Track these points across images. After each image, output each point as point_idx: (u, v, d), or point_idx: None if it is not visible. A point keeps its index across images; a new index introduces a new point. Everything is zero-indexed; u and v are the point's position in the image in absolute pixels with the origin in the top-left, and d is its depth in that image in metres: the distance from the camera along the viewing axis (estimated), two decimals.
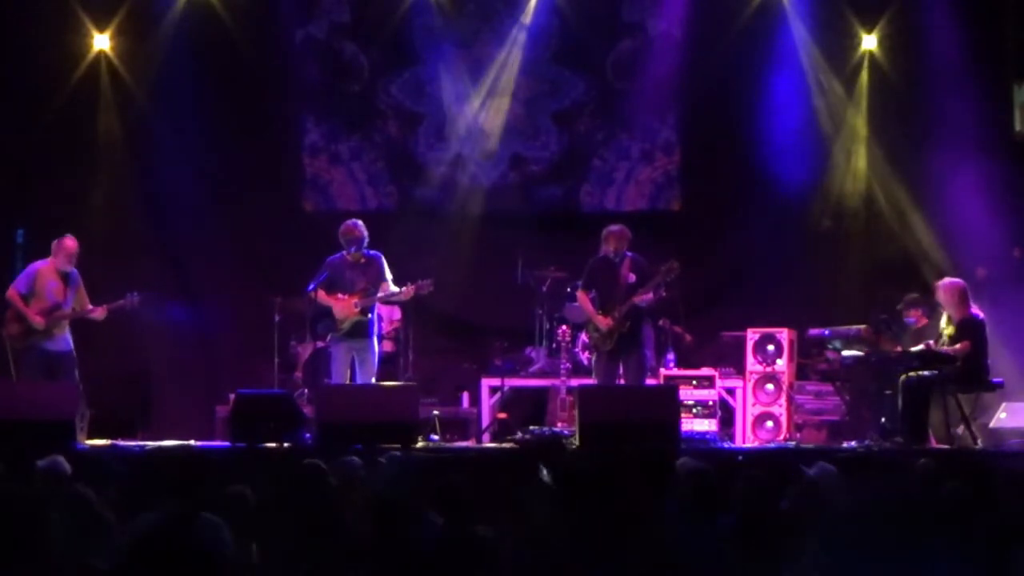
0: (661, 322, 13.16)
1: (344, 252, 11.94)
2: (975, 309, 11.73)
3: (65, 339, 12.04)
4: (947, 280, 12.01)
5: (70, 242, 12.09)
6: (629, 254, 11.98)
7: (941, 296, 11.86)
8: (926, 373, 11.54)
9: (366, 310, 11.92)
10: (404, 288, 11.88)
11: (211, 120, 14.46)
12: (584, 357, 13.38)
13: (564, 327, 13.12)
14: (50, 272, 12.04)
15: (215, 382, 14.04)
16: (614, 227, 12.09)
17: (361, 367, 11.92)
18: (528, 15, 14.69)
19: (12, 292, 11.99)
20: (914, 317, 12.81)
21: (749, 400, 13.29)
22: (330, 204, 15.02)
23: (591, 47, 14.93)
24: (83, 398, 11.32)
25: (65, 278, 12.04)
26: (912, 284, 13.39)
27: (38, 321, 11.88)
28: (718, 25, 14.44)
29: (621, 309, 11.75)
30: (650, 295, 11.82)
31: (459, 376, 14.12)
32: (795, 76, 14.47)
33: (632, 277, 11.87)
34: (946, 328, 11.83)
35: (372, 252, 12.04)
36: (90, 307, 12.08)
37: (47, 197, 14.28)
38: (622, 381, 11.92)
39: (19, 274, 12.34)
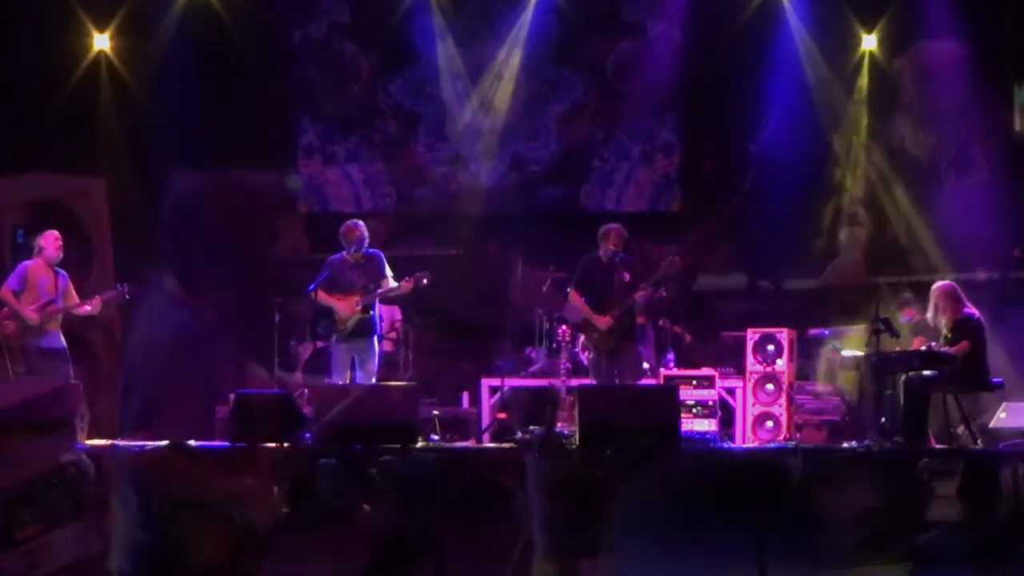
0: (661, 322, 13.15)
1: (344, 252, 11.95)
2: (970, 308, 11.71)
3: (57, 336, 12.03)
4: (937, 284, 11.98)
5: (51, 233, 12.05)
6: (621, 255, 12.00)
7: (934, 300, 11.83)
8: (926, 373, 11.53)
9: (368, 307, 11.93)
10: (402, 282, 11.89)
11: (210, 120, 14.45)
12: (584, 357, 13.38)
13: (564, 327, 13.11)
14: (41, 268, 12.03)
15: (215, 382, 14.04)
16: (614, 225, 12.08)
17: (361, 367, 11.92)
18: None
19: (5, 291, 11.97)
20: (909, 316, 12.81)
21: (749, 400, 13.29)
22: (324, 206, 15.03)
23: (591, 47, 14.95)
24: (83, 398, 11.30)
25: (55, 275, 12.05)
26: (912, 284, 13.39)
27: (33, 317, 11.88)
28: (718, 26, 14.46)
29: (620, 308, 11.76)
30: (654, 291, 11.85)
31: (459, 376, 14.12)
32: (795, 77, 14.48)
33: (627, 276, 11.88)
34: (946, 329, 11.82)
35: (372, 251, 12.05)
36: (78, 301, 12.08)
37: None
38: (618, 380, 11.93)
39: (9, 274, 12.32)
